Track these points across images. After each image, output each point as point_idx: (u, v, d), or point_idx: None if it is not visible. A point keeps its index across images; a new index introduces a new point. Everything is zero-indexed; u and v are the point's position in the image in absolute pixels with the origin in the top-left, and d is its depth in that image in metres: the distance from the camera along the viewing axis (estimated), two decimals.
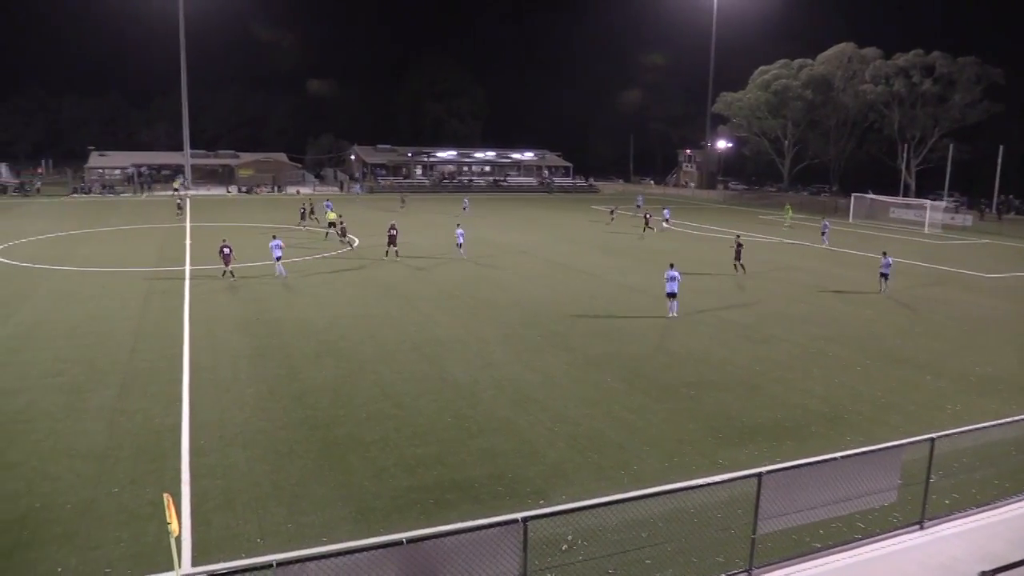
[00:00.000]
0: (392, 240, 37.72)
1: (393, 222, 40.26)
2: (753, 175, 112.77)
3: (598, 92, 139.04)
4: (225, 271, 30.88)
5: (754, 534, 9.99)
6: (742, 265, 34.74)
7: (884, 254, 31.48)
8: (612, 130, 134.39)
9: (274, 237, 33.04)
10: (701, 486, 11.30)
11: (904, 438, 14.18)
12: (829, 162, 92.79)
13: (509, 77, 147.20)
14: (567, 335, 22.84)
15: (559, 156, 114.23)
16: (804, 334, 23.67)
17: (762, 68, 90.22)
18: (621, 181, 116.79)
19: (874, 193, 70.29)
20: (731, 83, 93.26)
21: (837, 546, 10.74)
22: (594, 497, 12.13)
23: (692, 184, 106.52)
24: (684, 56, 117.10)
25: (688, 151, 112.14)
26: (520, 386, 17.95)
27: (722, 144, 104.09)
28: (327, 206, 48.86)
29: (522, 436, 14.90)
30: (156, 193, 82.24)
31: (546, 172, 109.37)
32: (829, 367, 20.17)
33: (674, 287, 25.00)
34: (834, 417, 16.42)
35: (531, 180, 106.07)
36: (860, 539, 10.98)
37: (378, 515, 11.71)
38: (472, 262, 36.56)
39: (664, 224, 55.82)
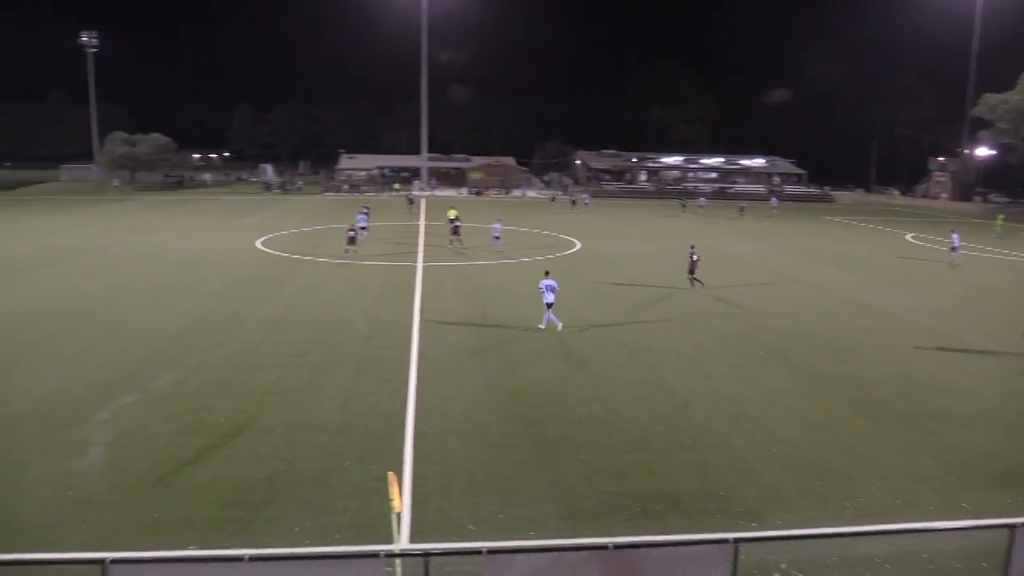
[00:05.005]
0: (352, 240, 37.25)
1: (352, 225, 40.20)
2: (1019, 186, 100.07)
3: (837, 94, 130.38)
4: (347, 250, 36.69)
5: None
6: (695, 279, 30.19)
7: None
8: (852, 135, 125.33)
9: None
10: (939, 530, 10.19)
11: None
12: None
13: (740, 81, 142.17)
14: (790, 350, 21.61)
15: (792, 163, 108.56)
16: None
17: None
18: (861, 191, 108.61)
19: None
20: (995, 83, 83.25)
21: None
22: (813, 527, 11.39)
23: (944, 195, 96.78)
24: (938, 54, 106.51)
25: (940, 159, 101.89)
26: (737, 400, 17.25)
27: (982, 151, 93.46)
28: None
29: (737, 453, 14.30)
30: (394, 193, 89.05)
31: (776, 179, 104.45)
32: None
33: (550, 297, 22.72)
34: None
35: (759, 187, 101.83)
36: None
37: (585, 516, 11.77)
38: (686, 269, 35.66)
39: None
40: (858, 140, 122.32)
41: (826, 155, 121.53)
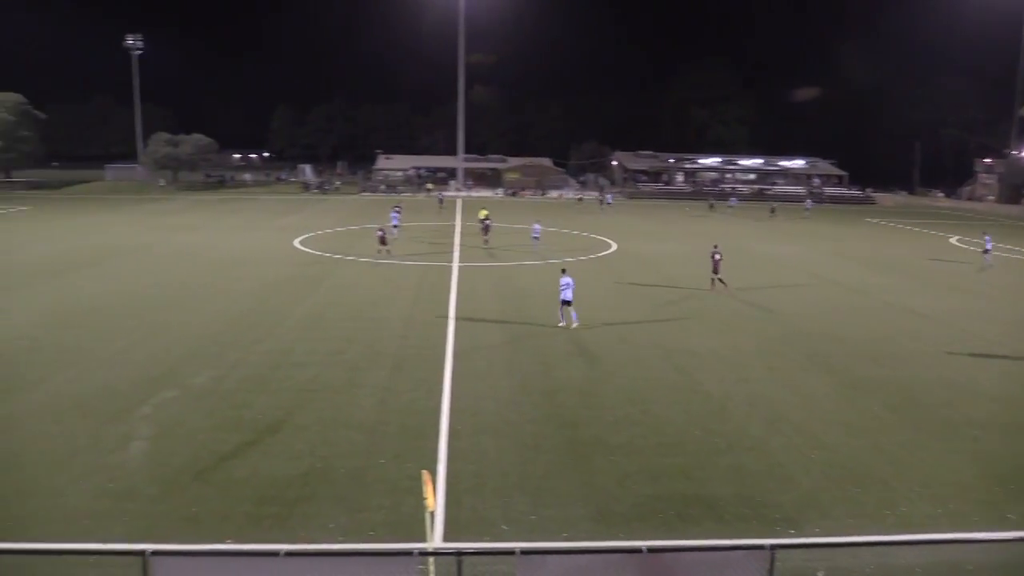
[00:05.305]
0: (382, 240, 37.33)
1: (382, 225, 40.73)
2: None
3: (880, 94, 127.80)
4: (380, 249, 36.95)
5: None
6: (720, 280, 30.07)
7: None
8: (895, 136, 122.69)
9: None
10: (983, 541, 9.92)
11: None
12: None
13: (781, 81, 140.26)
14: (829, 354, 21.27)
15: (832, 164, 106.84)
16: None
17: None
18: (904, 193, 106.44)
19: None
20: None
21: None
22: (851, 535, 11.18)
23: (990, 197, 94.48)
24: (985, 54, 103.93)
25: (987, 160, 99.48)
26: (775, 405, 17.02)
27: None
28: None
29: (774, 458, 14.10)
30: (427, 193, 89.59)
31: (815, 181, 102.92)
32: None
33: (568, 295, 23.33)
34: None
35: (799, 189, 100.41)
36: None
37: (618, 519, 11.69)
38: (726, 272, 35.31)
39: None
40: (901, 141, 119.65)
41: (868, 156, 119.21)
